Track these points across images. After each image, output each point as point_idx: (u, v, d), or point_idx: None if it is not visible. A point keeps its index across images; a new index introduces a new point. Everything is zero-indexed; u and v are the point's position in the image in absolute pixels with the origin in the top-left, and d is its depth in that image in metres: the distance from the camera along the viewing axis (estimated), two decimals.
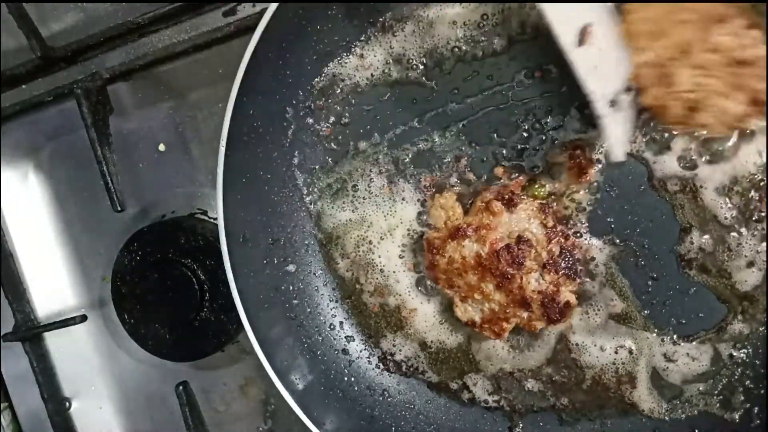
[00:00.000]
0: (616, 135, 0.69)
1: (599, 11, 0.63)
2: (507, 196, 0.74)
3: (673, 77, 0.67)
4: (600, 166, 0.74)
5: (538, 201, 0.75)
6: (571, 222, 0.76)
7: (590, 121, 0.74)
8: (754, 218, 0.72)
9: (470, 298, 0.76)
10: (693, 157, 0.72)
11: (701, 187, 0.72)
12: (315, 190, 0.84)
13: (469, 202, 0.78)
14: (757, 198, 0.71)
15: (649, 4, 0.67)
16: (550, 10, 0.63)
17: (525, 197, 0.75)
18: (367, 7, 0.78)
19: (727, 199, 0.72)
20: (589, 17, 0.63)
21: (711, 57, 0.65)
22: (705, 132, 0.70)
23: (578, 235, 0.75)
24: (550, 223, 0.74)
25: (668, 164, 0.73)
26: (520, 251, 0.72)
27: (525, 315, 0.74)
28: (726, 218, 0.72)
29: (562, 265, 0.73)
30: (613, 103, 0.66)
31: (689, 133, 0.71)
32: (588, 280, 0.76)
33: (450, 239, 0.75)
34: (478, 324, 0.76)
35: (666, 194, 0.73)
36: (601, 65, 0.64)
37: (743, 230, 0.72)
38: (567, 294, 0.73)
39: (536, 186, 0.75)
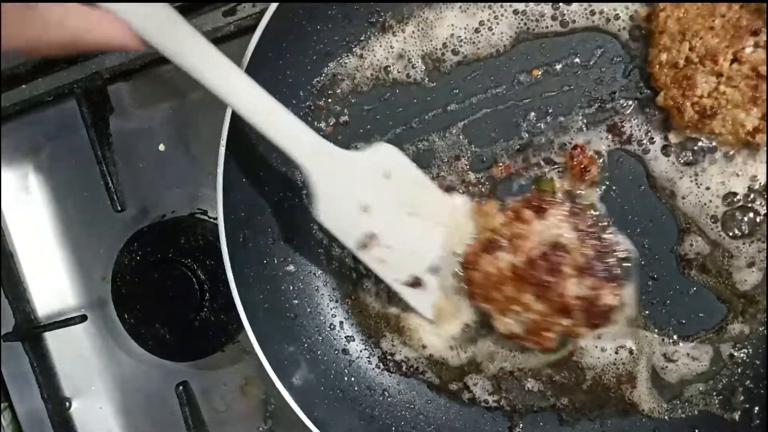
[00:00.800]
0: (420, 305, 0.79)
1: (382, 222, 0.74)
2: (536, 203, 0.72)
3: (693, 81, 0.67)
4: (601, 162, 0.74)
5: (568, 204, 0.73)
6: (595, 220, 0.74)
7: (591, 120, 0.75)
8: (733, 234, 0.72)
9: (509, 310, 0.74)
10: (681, 164, 0.72)
11: (682, 198, 0.72)
12: None
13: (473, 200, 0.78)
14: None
15: (682, 4, 0.67)
16: (331, 229, 0.74)
17: (555, 202, 0.73)
18: (367, 7, 0.78)
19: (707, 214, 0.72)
20: (372, 227, 0.74)
21: (734, 67, 0.66)
22: (715, 141, 0.70)
23: (609, 233, 0.74)
24: (583, 226, 0.72)
25: (663, 166, 0.73)
26: (556, 258, 0.71)
27: (567, 322, 0.72)
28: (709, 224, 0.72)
29: (600, 267, 0.71)
30: (413, 284, 0.77)
31: (690, 137, 0.72)
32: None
33: (483, 252, 0.74)
34: (520, 336, 0.74)
35: (664, 195, 0.73)
36: (388, 259, 0.75)
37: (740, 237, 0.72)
38: (608, 297, 0.72)
39: (545, 180, 0.75)
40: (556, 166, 0.75)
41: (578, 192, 0.75)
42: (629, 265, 0.74)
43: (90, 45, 0.56)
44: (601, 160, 0.74)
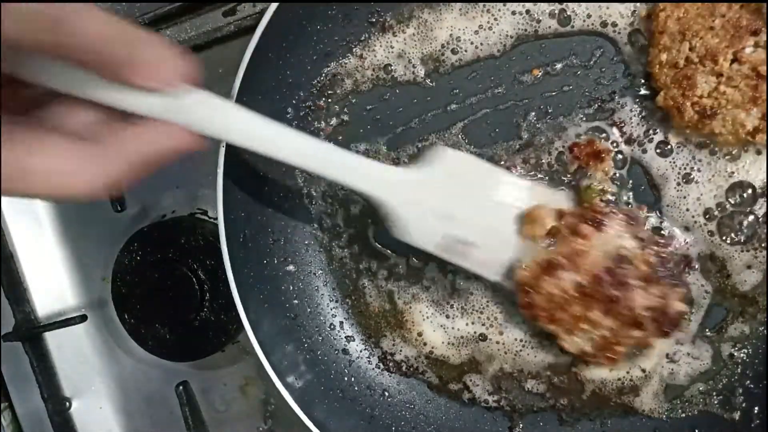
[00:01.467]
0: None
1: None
2: (592, 217, 0.69)
3: (693, 81, 0.67)
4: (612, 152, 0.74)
5: (624, 213, 0.70)
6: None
7: (591, 120, 0.75)
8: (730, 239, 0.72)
9: (577, 329, 0.71)
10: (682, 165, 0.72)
11: (682, 197, 0.72)
12: (315, 190, 0.84)
13: None
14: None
15: (682, 4, 0.67)
16: (423, 247, 0.73)
17: (612, 212, 0.70)
18: (367, 7, 0.78)
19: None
20: (460, 232, 0.72)
21: (734, 67, 0.66)
22: (716, 141, 0.70)
23: (670, 236, 0.73)
24: (642, 233, 0.70)
25: (662, 166, 0.73)
26: (621, 270, 0.68)
27: (638, 334, 0.70)
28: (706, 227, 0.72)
29: (665, 273, 0.69)
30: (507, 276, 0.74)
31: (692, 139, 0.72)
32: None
33: (543, 274, 0.71)
34: (590, 354, 0.72)
35: (664, 194, 0.73)
36: (484, 258, 0.73)
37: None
38: (676, 303, 0.69)
39: (585, 189, 0.73)
40: (558, 169, 0.76)
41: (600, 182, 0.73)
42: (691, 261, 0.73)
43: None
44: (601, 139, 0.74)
